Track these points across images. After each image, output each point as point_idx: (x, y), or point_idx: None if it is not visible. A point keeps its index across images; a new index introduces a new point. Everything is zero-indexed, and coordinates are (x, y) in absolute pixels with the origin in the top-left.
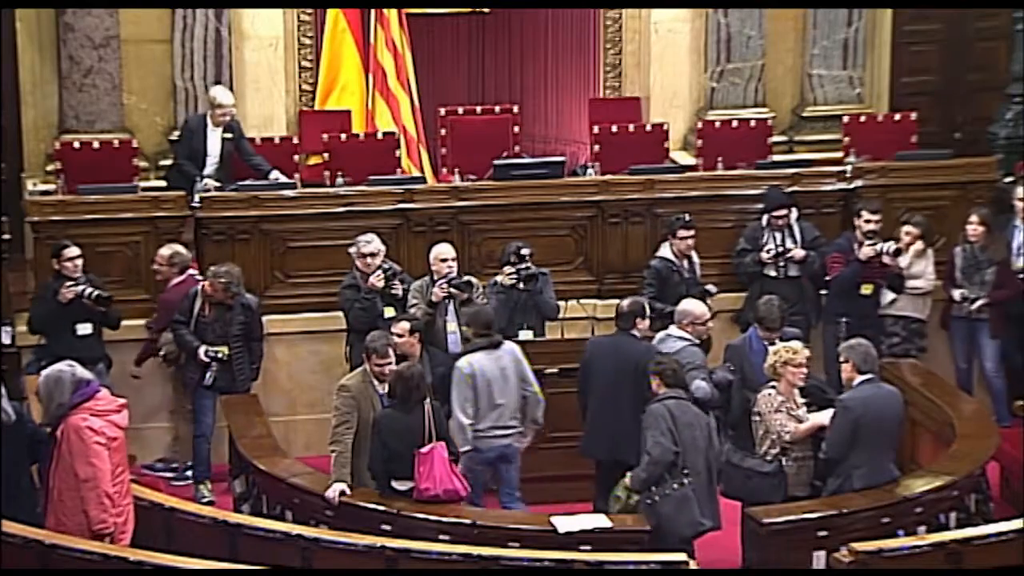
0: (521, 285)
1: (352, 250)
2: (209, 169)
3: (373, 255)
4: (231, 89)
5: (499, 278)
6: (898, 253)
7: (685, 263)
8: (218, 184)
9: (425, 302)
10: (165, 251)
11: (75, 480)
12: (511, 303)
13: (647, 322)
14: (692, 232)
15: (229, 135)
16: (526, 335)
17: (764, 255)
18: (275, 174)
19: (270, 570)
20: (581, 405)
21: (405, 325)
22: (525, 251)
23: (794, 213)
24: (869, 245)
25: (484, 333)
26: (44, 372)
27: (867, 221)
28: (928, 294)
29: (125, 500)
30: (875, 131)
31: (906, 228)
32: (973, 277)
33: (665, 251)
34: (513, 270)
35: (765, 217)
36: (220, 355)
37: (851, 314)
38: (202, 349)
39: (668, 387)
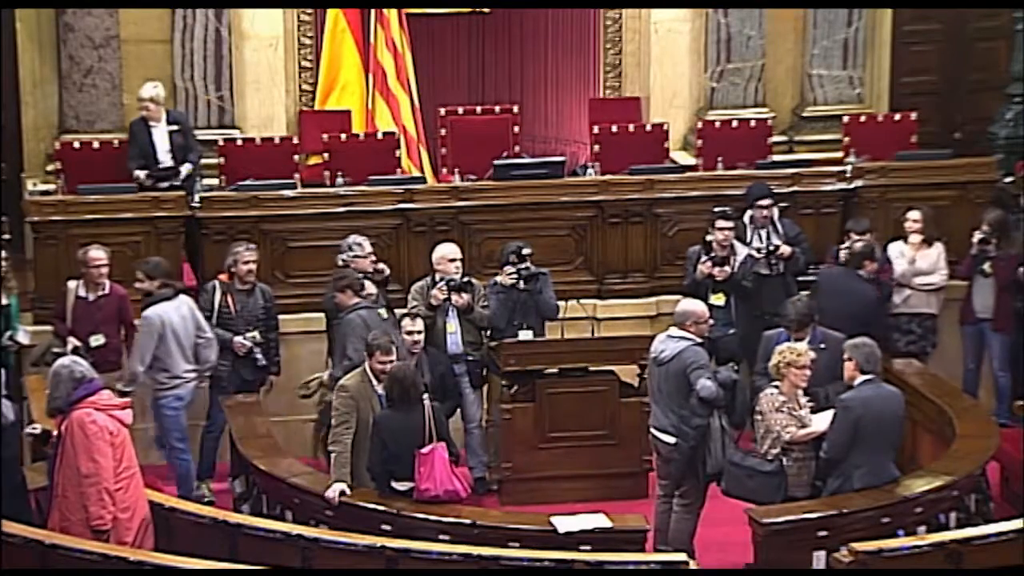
0: (521, 285)
1: (344, 256)
2: (165, 164)
3: (371, 254)
4: (231, 89)
5: (499, 278)
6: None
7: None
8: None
9: (424, 304)
10: (99, 252)
11: (78, 475)
12: (511, 303)
13: (874, 264)
14: (731, 224)
15: (175, 127)
16: (526, 335)
17: (754, 253)
18: (185, 167)
19: (270, 570)
20: None
21: (420, 323)
22: (525, 251)
23: (775, 211)
24: (846, 249)
25: (166, 284)
26: (58, 363)
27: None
28: (940, 289)
29: (131, 495)
30: (875, 131)
31: (911, 215)
32: None
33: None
34: (513, 270)
35: (748, 215)
36: (257, 338)
37: None
38: (238, 339)
39: (358, 297)
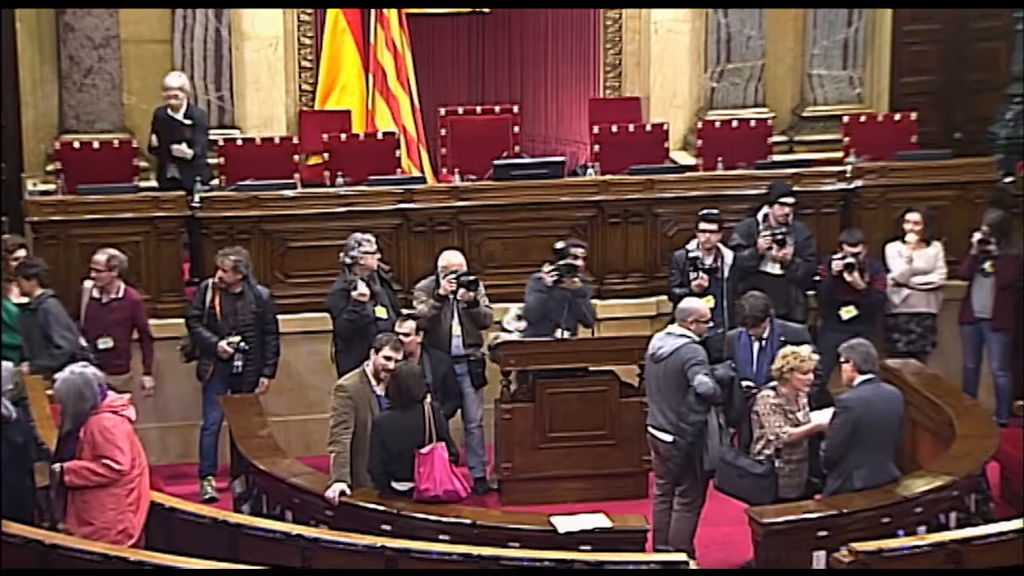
0: (563, 281)
1: (353, 253)
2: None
3: (376, 252)
4: (231, 89)
5: (542, 274)
6: (851, 268)
7: (710, 259)
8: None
9: (433, 296)
10: (101, 256)
11: (101, 475)
12: (552, 301)
13: None
14: (714, 226)
15: (189, 122)
16: (566, 334)
17: (762, 242)
18: (197, 188)
19: (270, 570)
20: None
21: (411, 324)
22: (559, 244)
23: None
24: (838, 260)
25: None
26: (64, 376)
27: (844, 257)
28: (939, 289)
29: (144, 496)
30: (875, 131)
31: (911, 216)
32: None
33: (692, 244)
34: (552, 267)
35: (764, 212)
36: (241, 345)
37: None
38: (222, 343)
39: (42, 288)
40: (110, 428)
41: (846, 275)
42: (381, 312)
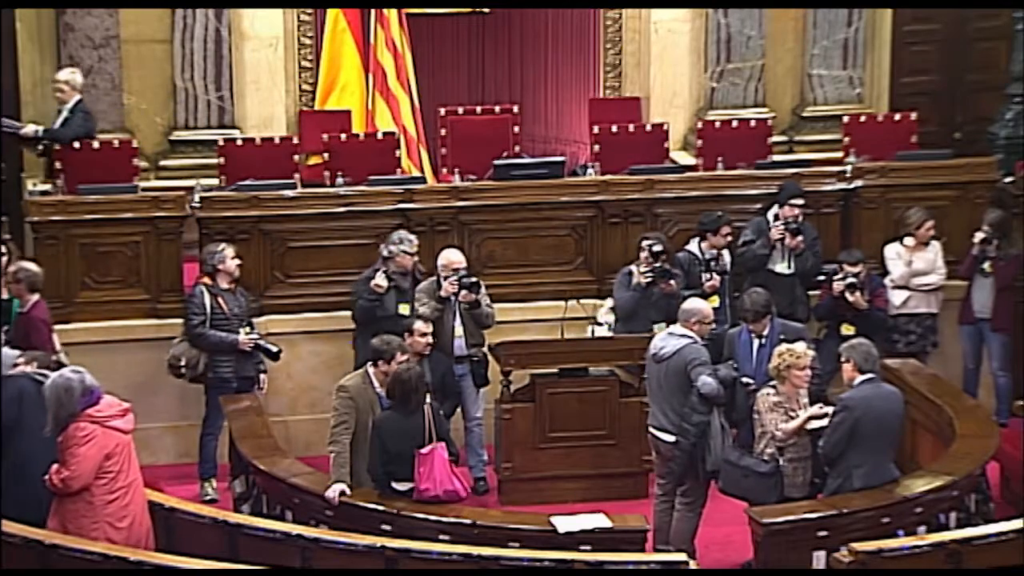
0: (655, 281)
1: (392, 248)
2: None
3: (414, 255)
4: (231, 89)
5: (633, 272)
6: (852, 289)
7: (713, 260)
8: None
9: (435, 298)
10: (11, 267)
11: (53, 484)
12: (644, 300)
13: None
14: (728, 229)
15: (68, 116)
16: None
17: (774, 232)
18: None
19: (270, 570)
20: None
21: (431, 326)
22: (656, 248)
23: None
24: (839, 280)
25: None
26: (53, 377)
27: (844, 278)
28: (939, 289)
29: (133, 507)
30: (875, 131)
31: (926, 224)
32: None
33: (692, 246)
34: (647, 269)
35: (774, 212)
36: (255, 333)
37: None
38: (241, 336)
39: None
40: (78, 437)
41: (848, 296)
42: (404, 310)
